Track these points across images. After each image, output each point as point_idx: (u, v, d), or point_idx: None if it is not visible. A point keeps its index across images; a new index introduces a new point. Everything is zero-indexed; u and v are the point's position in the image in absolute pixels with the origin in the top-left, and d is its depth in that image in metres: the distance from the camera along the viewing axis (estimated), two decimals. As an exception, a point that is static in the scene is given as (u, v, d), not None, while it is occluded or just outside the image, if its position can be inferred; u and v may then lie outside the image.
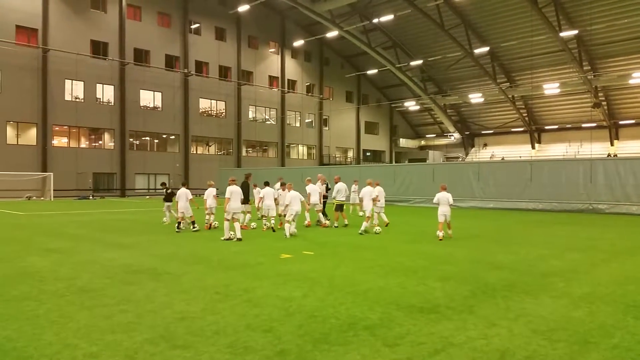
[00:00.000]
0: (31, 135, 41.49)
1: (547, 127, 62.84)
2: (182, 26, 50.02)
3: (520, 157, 55.85)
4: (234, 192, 13.55)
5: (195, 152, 52.18)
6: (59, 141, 43.63)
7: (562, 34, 44.88)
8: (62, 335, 5.24)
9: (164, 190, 19.16)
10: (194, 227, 15.64)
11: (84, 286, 7.65)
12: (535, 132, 63.67)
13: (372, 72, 58.61)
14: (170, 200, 18.27)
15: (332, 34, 51.38)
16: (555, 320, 5.82)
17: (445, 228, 13.68)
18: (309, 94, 63.31)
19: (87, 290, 7.34)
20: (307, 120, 63.62)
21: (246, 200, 16.51)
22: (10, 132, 40.59)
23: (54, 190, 39.44)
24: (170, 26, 49.41)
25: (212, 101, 53.49)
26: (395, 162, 69.83)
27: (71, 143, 44.09)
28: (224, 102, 54.19)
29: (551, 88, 52.74)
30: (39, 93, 41.03)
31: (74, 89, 43.49)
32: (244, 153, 56.35)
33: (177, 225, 15.66)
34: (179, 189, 16.33)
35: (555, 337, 5.21)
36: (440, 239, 13.20)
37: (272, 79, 59.07)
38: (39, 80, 41.04)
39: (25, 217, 21.55)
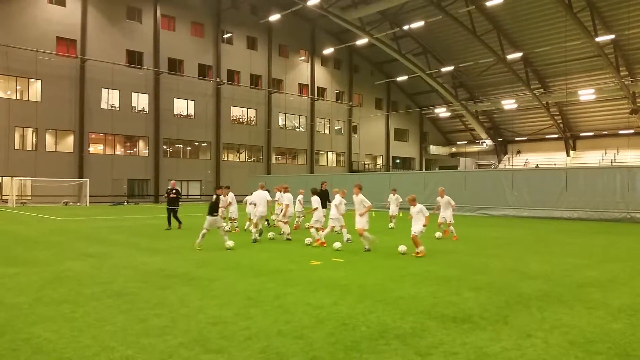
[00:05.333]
0: (69, 143, 42.77)
1: (582, 134, 61.40)
2: (215, 36, 50.90)
3: (554, 164, 54.63)
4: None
5: (226, 159, 52.85)
6: (95, 148, 44.84)
7: (598, 39, 43.85)
8: (99, 338, 5.36)
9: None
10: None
11: (120, 290, 7.82)
12: (570, 139, 62.28)
13: (402, 78, 58.43)
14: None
15: (362, 41, 51.50)
16: (593, 332, 5.66)
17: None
18: (339, 101, 63.45)
19: (122, 294, 7.51)
20: (336, 128, 63.74)
21: (324, 206, 16.98)
22: (49, 139, 41.97)
23: (89, 196, 40.50)
24: (203, 36, 50.34)
25: (243, 109, 54.17)
26: (426, 170, 69.20)
27: (107, 150, 45.26)
28: (254, 110, 54.80)
29: (586, 94, 51.51)
30: (77, 102, 42.33)
31: (109, 98, 44.71)
32: (273, 160, 56.79)
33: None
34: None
35: (594, 349, 5.07)
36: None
37: (302, 87, 59.48)
38: (76, 89, 42.36)
39: (62, 222, 22.17)
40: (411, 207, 12.18)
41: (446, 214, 15.81)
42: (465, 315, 6.34)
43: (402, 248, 12.05)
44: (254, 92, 54.47)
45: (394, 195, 20.29)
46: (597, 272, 9.71)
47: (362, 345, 5.17)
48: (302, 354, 4.91)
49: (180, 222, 18.58)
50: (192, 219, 22.30)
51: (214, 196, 13.45)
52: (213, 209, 13.11)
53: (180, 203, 19.35)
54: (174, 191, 18.88)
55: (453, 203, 15.96)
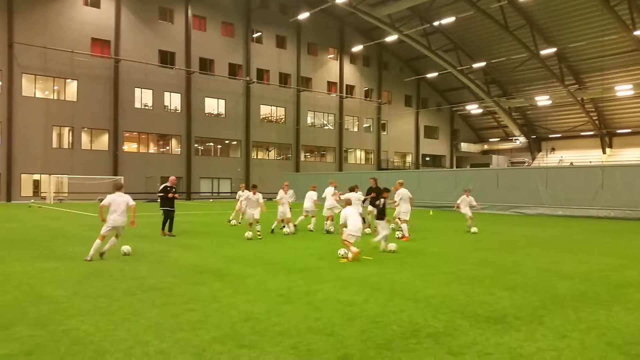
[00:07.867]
0: (103, 141, 43.82)
1: (619, 131, 59.61)
2: (245, 35, 51.34)
3: (590, 162, 53.18)
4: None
5: (256, 157, 53.29)
6: (129, 147, 45.80)
7: (636, 33, 42.44)
8: (134, 332, 5.48)
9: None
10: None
11: (154, 285, 7.98)
12: (606, 136, 60.55)
13: (432, 75, 57.75)
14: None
15: (391, 38, 51.11)
16: (632, 334, 5.50)
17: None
18: (367, 99, 63.18)
19: (156, 289, 7.65)
20: (365, 125, 63.51)
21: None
22: (84, 138, 43.08)
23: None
24: (233, 35, 50.83)
25: (272, 107, 54.50)
26: (457, 167, 68.32)
27: (140, 148, 46.19)
28: (283, 108, 55.08)
29: (624, 90, 49.92)
30: (111, 101, 43.32)
31: (143, 97, 45.60)
32: (302, 158, 56.97)
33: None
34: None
35: (634, 352, 4.92)
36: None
37: (330, 85, 59.46)
38: (111, 89, 43.35)
39: (98, 219, 22.66)
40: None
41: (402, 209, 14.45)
42: (499, 315, 6.24)
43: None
44: (283, 90, 54.74)
45: (467, 196, 17.89)
46: (636, 272, 9.42)
47: (393, 344, 5.14)
48: (333, 350, 4.92)
49: (172, 229, 15.30)
50: (221, 216, 22.58)
51: (382, 199, 12.22)
52: (383, 213, 12.15)
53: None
54: (173, 189, 15.40)
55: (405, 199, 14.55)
